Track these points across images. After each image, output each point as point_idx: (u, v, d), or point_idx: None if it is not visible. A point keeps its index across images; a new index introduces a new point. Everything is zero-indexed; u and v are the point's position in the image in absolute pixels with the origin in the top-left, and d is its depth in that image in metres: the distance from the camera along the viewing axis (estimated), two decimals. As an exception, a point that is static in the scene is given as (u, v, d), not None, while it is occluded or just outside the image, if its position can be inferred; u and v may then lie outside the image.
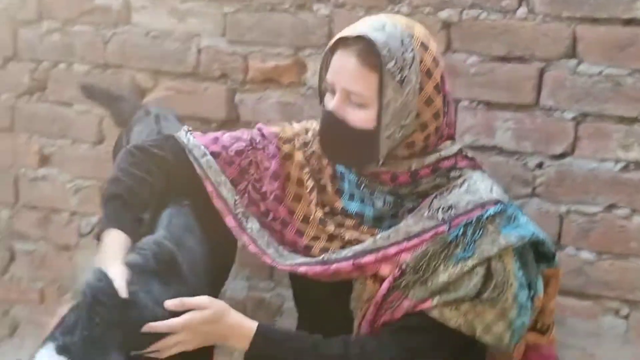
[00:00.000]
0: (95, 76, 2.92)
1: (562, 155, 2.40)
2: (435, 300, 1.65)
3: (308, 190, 1.85)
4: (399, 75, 1.65)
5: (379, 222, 1.78)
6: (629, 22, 2.29)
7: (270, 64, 2.70)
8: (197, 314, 1.63)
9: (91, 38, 2.91)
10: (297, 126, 1.95)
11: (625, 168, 2.35)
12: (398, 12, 2.45)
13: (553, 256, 1.80)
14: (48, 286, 3.17)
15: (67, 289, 3.09)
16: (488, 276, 1.64)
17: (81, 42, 2.93)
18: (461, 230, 1.65)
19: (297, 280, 1.90)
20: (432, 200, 1.72)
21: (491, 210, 1.67)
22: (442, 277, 1.64)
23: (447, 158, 1.76)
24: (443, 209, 1.69)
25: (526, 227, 1.71)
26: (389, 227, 1.75)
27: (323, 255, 1.78)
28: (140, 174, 1.79)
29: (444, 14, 2.45)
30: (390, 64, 1.64)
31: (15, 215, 3.20)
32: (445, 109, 1.76)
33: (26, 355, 2.46)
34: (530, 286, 1.72)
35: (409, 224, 1.72)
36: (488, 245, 1.64)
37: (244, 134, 1.92)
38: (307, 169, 1.86)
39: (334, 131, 1.71)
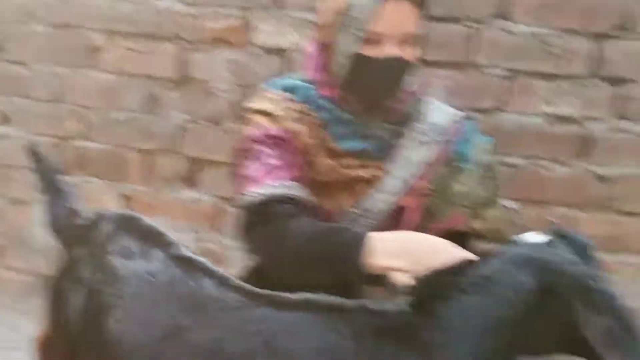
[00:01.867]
0: (53, 36, 3.02)
1: (491, 110, 2.53)
2: (464, 210, 1.77)
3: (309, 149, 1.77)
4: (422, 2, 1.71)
5: (381, 153, 1.78)
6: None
7: (220, 25, 2.81)
8: None
9: (49, -2, 3.01)
10: (266, 105, 1.78)
11: (549, 122, 2.50)
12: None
13: None
14: (5, 239, 3.25)
15: (24, 242, 3.18)
16: (492, 177, 1.81)
17: (40, 2, 3.02)
18: (458, 145, 1.78)
19: None
20: (415, 123, 1.79)
21: (467, 124, 1.82)
22: (460, 188, 1.77)
23: (414, 82, 1.84)
24: (431, 129, 1.79)
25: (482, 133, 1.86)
26: (389, 156, 1.77)
27: (365, 222, 1.75)
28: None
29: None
30: None
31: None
32: None
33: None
34: None
35: (411, 153, 1.77)
36: (478, 151, 1.79)
37: (261, 148, 1.75)
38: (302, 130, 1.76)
39: (401, 74, 1.73)
